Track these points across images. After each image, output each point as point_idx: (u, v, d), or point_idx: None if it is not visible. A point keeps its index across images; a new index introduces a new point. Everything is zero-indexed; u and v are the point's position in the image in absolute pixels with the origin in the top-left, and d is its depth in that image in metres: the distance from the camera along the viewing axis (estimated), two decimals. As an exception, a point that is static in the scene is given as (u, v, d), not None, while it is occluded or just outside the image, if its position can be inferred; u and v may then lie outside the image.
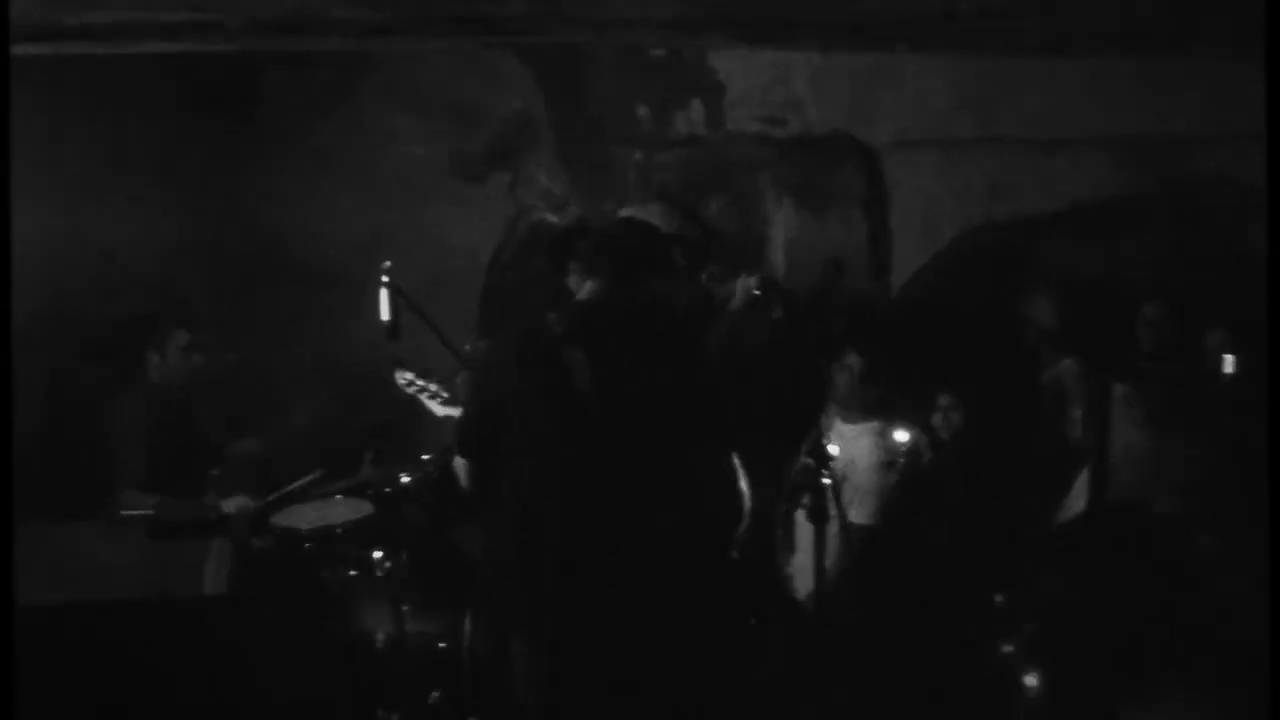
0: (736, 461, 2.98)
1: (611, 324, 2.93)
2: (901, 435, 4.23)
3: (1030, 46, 4.88)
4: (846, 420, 4.51)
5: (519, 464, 2.92)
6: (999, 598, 3.65)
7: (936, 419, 4.44)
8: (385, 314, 3.82)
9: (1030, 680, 3.22)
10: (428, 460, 4.32)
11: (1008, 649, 3.57)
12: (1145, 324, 3.79)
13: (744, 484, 2.98)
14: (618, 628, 2.87)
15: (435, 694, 3.99)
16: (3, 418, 2.33)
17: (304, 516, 4.21)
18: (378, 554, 4.05)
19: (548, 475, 2.86)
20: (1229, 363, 3.54)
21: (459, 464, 3.07)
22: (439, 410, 4.09)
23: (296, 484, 4.51)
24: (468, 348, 4.27)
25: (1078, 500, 3.79)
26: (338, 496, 4.39)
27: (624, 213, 5.09)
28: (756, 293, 3.79)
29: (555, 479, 2.85)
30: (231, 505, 4.22)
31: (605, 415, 2.83)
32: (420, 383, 4.09)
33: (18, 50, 2.84)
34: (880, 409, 4.49)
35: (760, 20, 4.14)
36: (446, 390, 4.09)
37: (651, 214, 5.11)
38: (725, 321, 4.15)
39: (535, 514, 2.88)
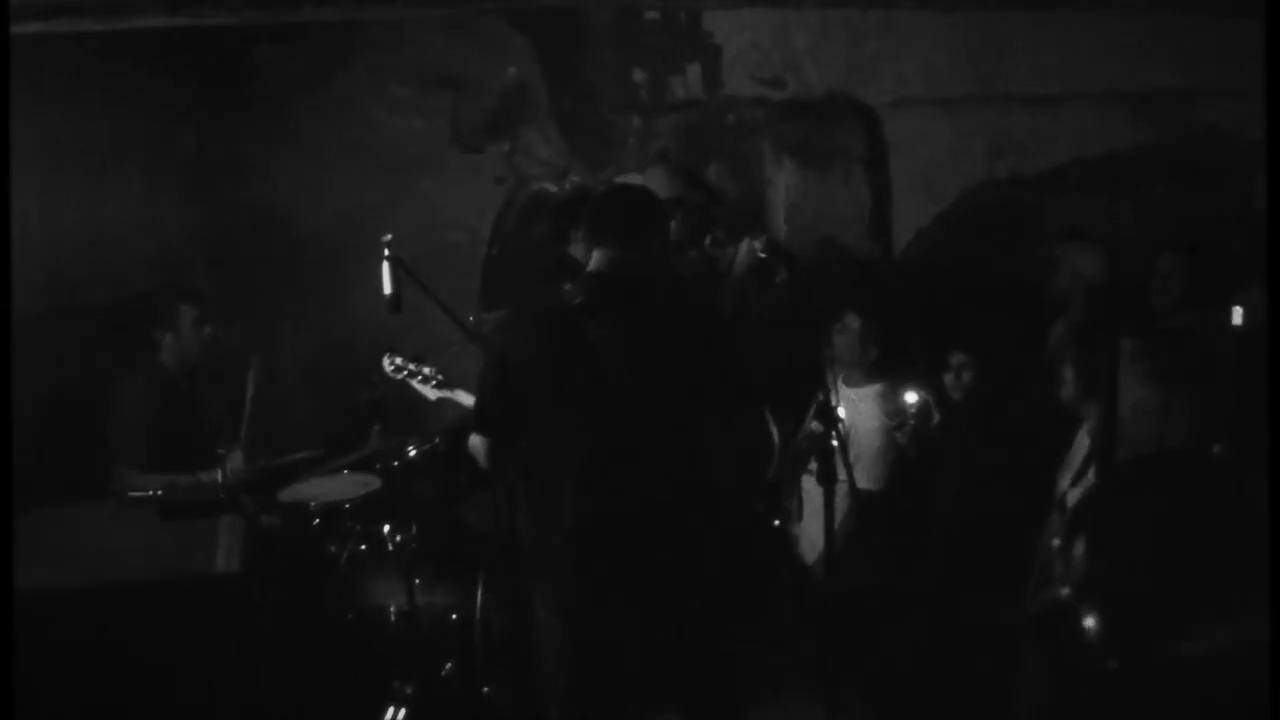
0: (769, 417, 2.98)
1: (626, 292, 2.92)
2: (911, 396, 4.21)
3: (1031, 2, 4.84)
4: (849, 383, 4.49)
5: (542, 437, 2.93)
6: (1057, 541, 3.60)
7: (948, 378, 4.40)
8: (387, 287, 3.80)
9: (1089, 622, 3.17)
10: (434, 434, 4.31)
11: (1065, 591, 3.53)
12: (1159, 276, 3.74)
13: (775, 436, 2.99)
14: (650, 598, 2.88)
15: (449, 665, 4.01)
16: (2, 402, 2.31)
17: (312, 492, 4.21)
18: (387, 527, 4.05)
19: (573, 447, 2.86)
20: (1238, 314, 3.51)
21: (476, 441, 3.05)
22: (432, 394, 4.05)
23: (298, 456, 4.52)
24: (471, 319, 4.25)
25: (1079, 456, 3.78)
26: (345, 471, 4.39)
27: (623, 179, 5.08)
28: (762, 255, 3.76)
29: (581, 450, 2.86)
30: (230, 469, 4.22)
31: (632, 384, 2.83)
32: (411, 367, 4.05)
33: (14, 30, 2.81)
34: (883, 371, 4.46)
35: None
36: (440, 374, 4.05)
37: (655, 178, 5.12)
38: (730, 285, 4.13)
39: (564, 484, 2.88)
